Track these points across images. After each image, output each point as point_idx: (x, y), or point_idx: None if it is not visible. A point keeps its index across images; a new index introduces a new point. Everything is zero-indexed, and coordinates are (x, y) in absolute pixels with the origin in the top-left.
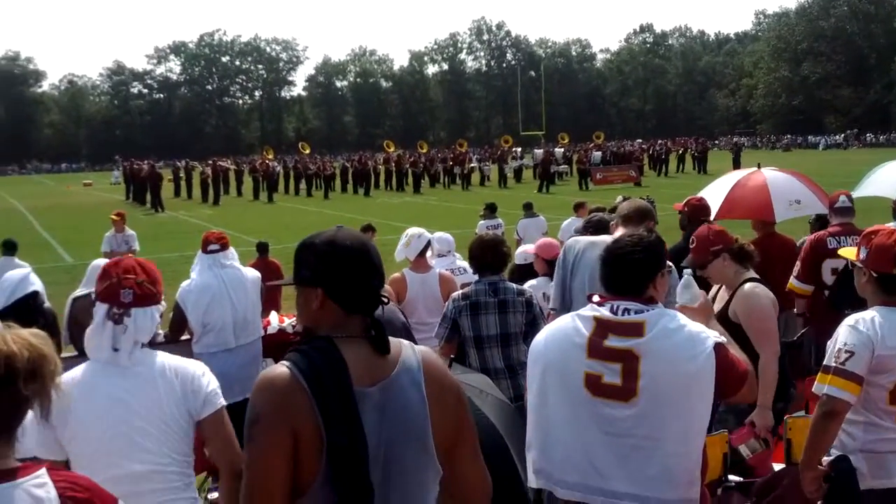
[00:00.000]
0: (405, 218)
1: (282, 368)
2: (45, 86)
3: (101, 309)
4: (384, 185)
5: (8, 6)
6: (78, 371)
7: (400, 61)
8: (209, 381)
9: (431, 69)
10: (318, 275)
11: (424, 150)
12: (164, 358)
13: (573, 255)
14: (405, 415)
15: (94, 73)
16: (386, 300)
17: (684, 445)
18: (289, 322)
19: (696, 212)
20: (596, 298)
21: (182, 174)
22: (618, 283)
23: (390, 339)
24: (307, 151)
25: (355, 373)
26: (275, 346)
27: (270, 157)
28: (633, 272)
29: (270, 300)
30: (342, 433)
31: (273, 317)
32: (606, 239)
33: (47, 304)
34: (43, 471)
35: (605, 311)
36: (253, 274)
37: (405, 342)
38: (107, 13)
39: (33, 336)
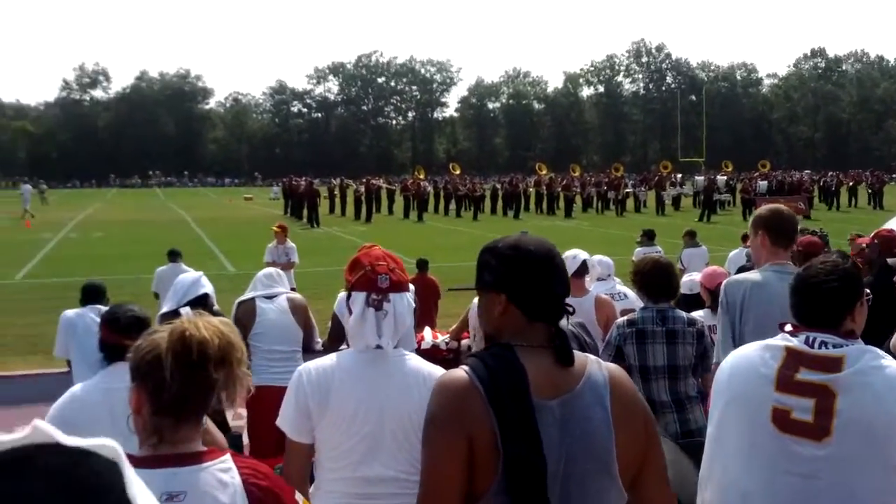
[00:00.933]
0: (556, 242)
1: (459, 372)
2: (212, 103)
3: (358, 298)
4: (534, 208)
5: (180, 26)
6: (338, 358)
7: (554, 83)
8: None
9: (586, 91)
10: (501, 279)
11: (577, 174)
12: (418, 361)
13: (740, 297)
14: (587, 433)
15: (258, 91)
16: (571, 310)
17: (882, 497)
18: (442, 339)
19: (888, 243)
20: (788, 328)
21: (337, 192)
22: (812, 315)
23: (576, 352)
24: (458, 172)
25: (535, 383)
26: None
27: (422, 176)
28: (828, 302)
29: (425, 317)
30: (519, 443)
31: (427, 333)
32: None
33: (216, 307)
34: (228, 456)
35: (798, 343)
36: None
37: (591, 357)
38: (272, 34)
39: (222, 324)
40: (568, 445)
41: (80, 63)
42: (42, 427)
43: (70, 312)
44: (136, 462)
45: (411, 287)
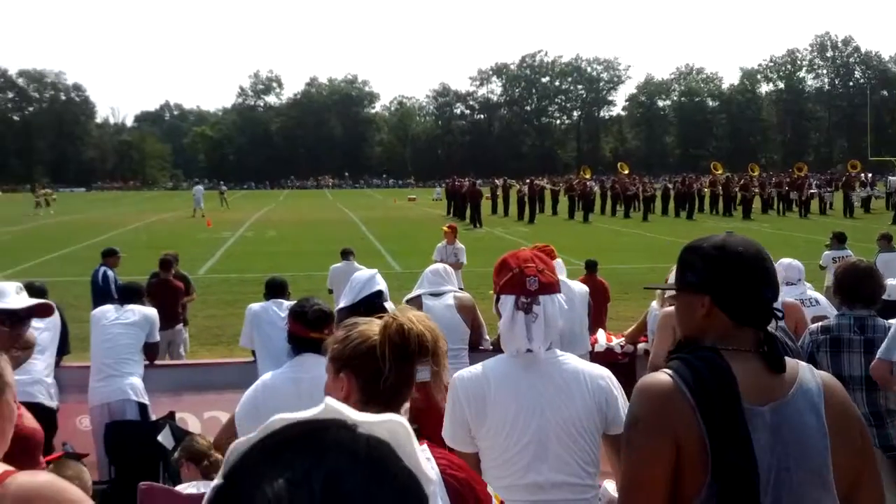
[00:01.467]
0: None
1: (663, 375)
2: (378, 107)
3: (507, 301)
4: (709, 208)
5: (349, 33)
6: (491, 364)
7: (729, 80)
8: (620, 394)
9: (765, 88)
10: (705, 280)
11: (756, 174)
12: (576, 362)
13: None
14: (801, 442)
15: (422, 94)
16: (780, 314)
17: None
18: (617, 342)
19: None
20: None
21: (500, 192)
22: None
23: (786, 358)
24: (626, 171)
25: (744, 389)
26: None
27: (588, 176)
28: None
29: (595, 320)
30: (730, 450)
31: (600, 335)
32: None
33: (389, 304)
34: (426, 445)
35: None
36: (581, 288)
37: (802, 363)
38: (436, 38)
39: (427, 319)
40: (780, 453)
41: (256, 70)
42: (332, 404)
43: (255, 306)
44: None
45: (584, 287)
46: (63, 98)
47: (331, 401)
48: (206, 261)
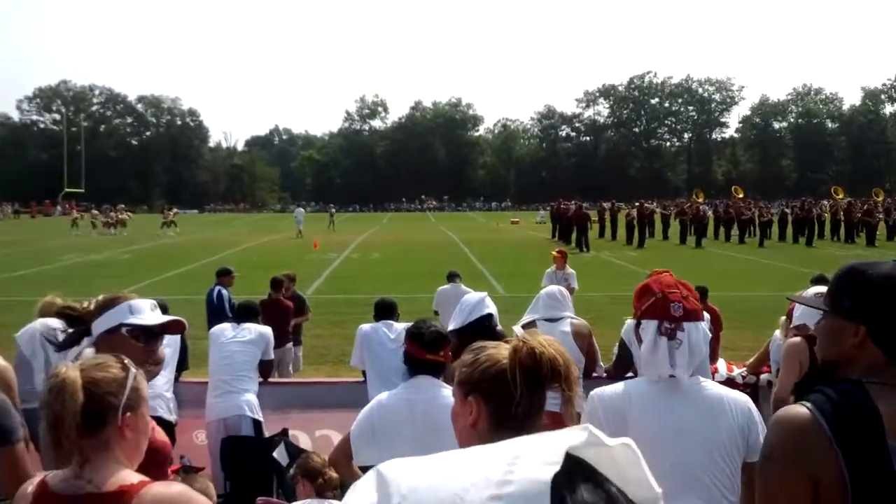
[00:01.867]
0: None
1: (801, 408)
2: (482, 129)
3: (649, 326)
4: (829, 234)
5: (454, 57)
6: (630, 386)
7: (850, 100)
8: (760, 420)
9: (888, 108)
10: (864, 309)
11: (880, 198)
12: (717, 387)
13: None
14: None
15: (526, 117)
16: None
17: None
18: (738, 372)
19: None
20: None
21: (607, 215)
22: None
23: None
24: (741, 195)
25: (890, 426)
26: None
27: (700, 200)
28: None
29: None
30: (874, 489)
31: (721, 364)
32: None
33: (499, 327)
34: None
35: None
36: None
37: None
38: (541, 60)
39: (557, 343)
40: None
41: (362, 95)
42: (593, 431)
43: (366, 326)
44: None
45: (706, 316)
46: (179, 123)
47: (591, 427)
48: (313, 281)
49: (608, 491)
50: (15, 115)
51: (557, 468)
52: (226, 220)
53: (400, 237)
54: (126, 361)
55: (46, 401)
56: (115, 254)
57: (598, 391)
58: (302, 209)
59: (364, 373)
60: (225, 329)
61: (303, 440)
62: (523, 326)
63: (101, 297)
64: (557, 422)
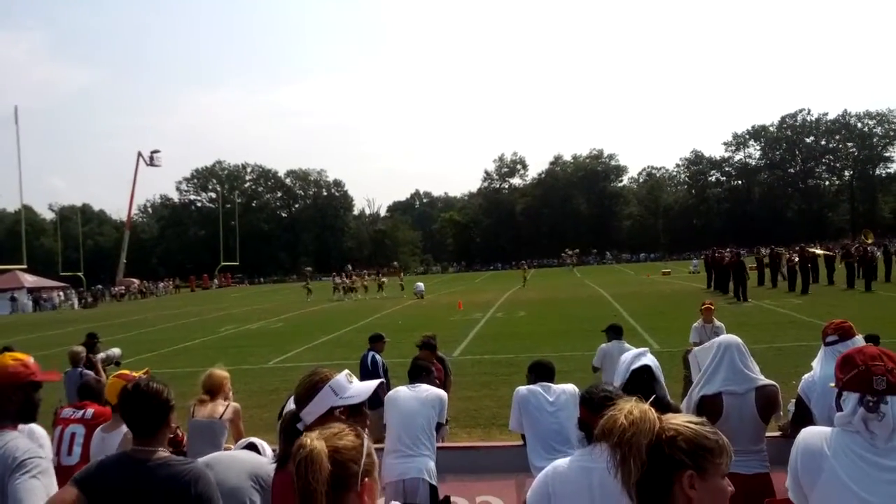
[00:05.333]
0: None
1: None
2: (626, 180)
3: (851, 398)
4: None
5: (594, 107)
6: (824, 433)
7: None
8: None
9: None
10: None
11: None
12: None
13: None
14: None
15: (671, 164)
16: None
17: None
18: None
19: None
20: None
21: (766, 261)
22: None
23: None
24: None
25: None
26: None
27: (870, 241)
28: None
29: None
30: None
31: None
32: None
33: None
34: None
35: None
36: None
37: None
38: (686, 105)
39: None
40: None
41: (500, 154)
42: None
43: (523, 389)
44: None
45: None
46: (325, 194)
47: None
48: (460, 343)
49: None
50: (175, 196)
51: None
52: (372, 286)
53: (545, 294)
54: (358, 429)
55: (295, 472)
56: (268, 323)
57: (805, 431)
58: (421, 284)
59: (523, 436)
60: (400, 390)
61: None
62: (704, 398)
63: (301, 380)
64: (765, 482)
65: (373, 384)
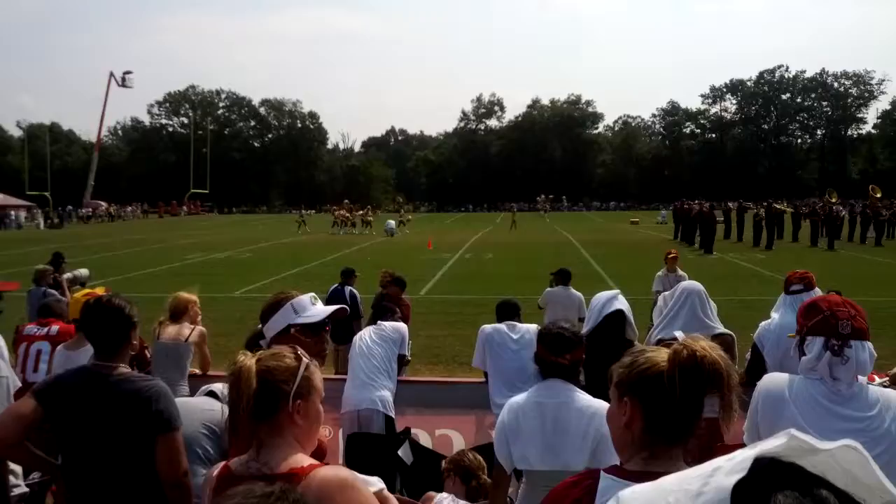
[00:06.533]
0: None
1: None
2: (601, 127)
3: (815, 343)
4: None
5: (575, 53)
6: (788, 379)
7: None
8: None
9: None
10: None
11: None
12: (877, 389)
13: None
14: None
15: (647, 114)
16: None
17: None
18: (879, 381)
19: None
20: None
21: (734, 215)
22: None
23: None
24: (878, 195)
25: None
26: None
27: (834, 200)
28: None
29: None
30: None
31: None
32: None
33: (633, 327)
34: None
35: None
36: None
37: None
38: (664, 56)
39: (719, 349)
40: None
41: (478, 94)
42: (797, 435)
43: (488, 327)
44: (627, 475)
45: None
46: (299, 125)
47: (794, 432)
48: (427, 282)
49: (818, 496)
50: (146, 120)
51: (742, 475)
52: (325, 222)
53: (514, 237)
54: (300, 352)
55: (229, 386)
56: (235, 252)
57: (766, 377)
58: (392, 221)
59: (486, 374)
60: (364, 330)
61: (423, 439)
62: (659, 342)
63: (267, 298)
64: (714, 427)
65: (331, 308)
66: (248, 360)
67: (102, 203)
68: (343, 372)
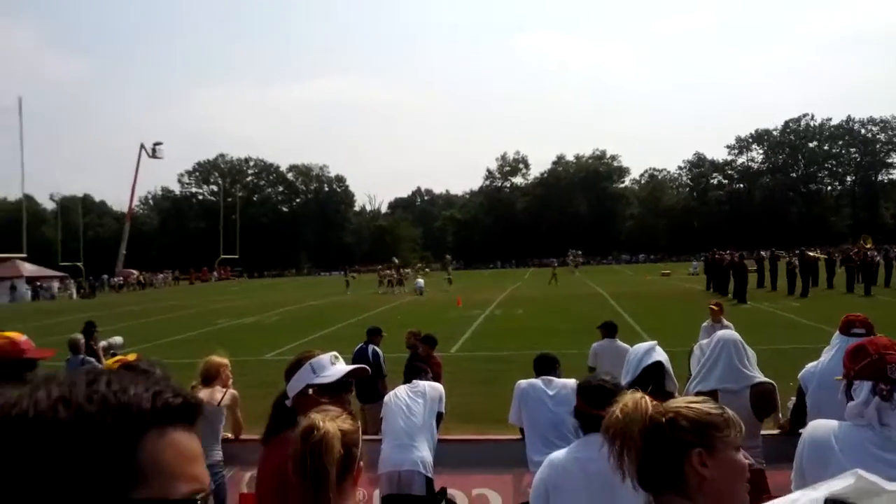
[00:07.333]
0: None
1: None
2: (627, 181)
3: (863, 387)
4: None
5: (599, 108)
6: (836, 426)
7: None
8: None
9: None
10: None
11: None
12: None
13: None
14: None
15: (674, 166)
16: None
17: None
18: None
19: None
20: None
21: (766, 264)
22: None
23: None
24: None
25: None
26: None
27: (869, 245)
28: None
29: None
30: None
31: None
32: None
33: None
34: None
35: None
36: None
37: None
38: (689, 108)
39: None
40: None
41: (503, 153)
42: (864, 475)
43: (523, 382)
44: None
45: None
46: (326, 189)
47: (861, 472)
48: (458, 340)
49: None
50: (176, 189)
51: None
52: (370, 282)
53: (543, 292)
54: (350, 411)
55: (309, 453)
56: (264, 316)
57: (812, 424)
58: (422, 280)
59: (521, 431)
60: (399, 388)
61: (460, 499)
62: (698, 394)
63: (291, 358)
64: (759, 478)
65: (349, 367)
66: (329, 423)
67: (134, 271)
68: (370, 432)
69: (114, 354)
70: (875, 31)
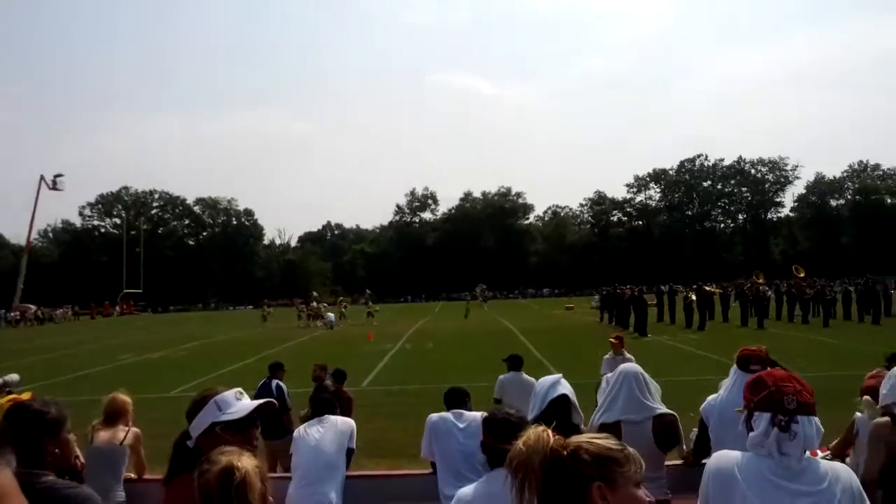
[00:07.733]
0: None
1: None
2: (532, 217)
3: (762, 418)
4: None
5: (504, 147)
6: (738, 456)
7: None
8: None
9: None
10: None
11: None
12: (825, 462)
13: None
14: None
15: (576, 203)
16: None
17: None
18: (822, 455)
19: None
20: None
21: (665, 298)
22: None
23: None
24: (801, 274)
25: None
26: None
27: (761, 280)
28: None
29: None
30: None
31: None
32: None
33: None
34: None
35: None
36: None
37: None
38: (589, 148)
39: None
40: None
41: (412, 188)
42: None
43: (434, 416)
44: None
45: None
46: (234, 223)
47: None
48: (369, 373)
49: None
50: (78, 221)
51: None
52: (281, 315)
53: (453, 326)
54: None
55: (234, 493)
56: (170, 352)
57: (716, 455)
58: (332, 315)
59: (433, 465)
60: (310, 424)
61: None
62: (602, 427)
63: (193, 396)
64: None
65: (255, 402)
66: (246, 460)
67: (31, 306)
68: (275, 468)
69: (9, 392)
70: (767, 76)
